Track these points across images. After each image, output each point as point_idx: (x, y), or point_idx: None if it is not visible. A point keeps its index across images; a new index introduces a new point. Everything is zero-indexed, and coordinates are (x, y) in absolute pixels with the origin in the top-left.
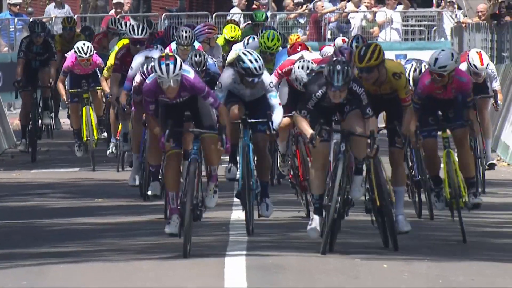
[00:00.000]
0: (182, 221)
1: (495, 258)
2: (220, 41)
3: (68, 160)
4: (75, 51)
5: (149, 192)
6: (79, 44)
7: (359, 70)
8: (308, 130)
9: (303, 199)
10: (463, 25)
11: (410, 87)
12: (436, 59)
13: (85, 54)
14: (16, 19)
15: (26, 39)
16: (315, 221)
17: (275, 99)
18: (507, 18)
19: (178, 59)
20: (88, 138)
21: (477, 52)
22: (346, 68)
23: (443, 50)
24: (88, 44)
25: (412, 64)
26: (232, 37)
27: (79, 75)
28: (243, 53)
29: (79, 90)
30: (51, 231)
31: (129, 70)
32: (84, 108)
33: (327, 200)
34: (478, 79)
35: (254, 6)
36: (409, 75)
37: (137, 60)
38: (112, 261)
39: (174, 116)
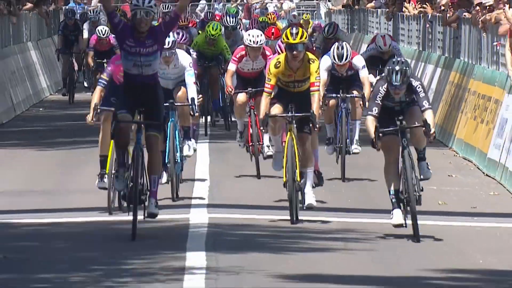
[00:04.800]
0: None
1: None
2: (200, 39)
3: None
4: (96, 34)
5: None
6: (100, 28)
7: (291, 48)
8: (371, 134)
9: (252, 160)
10: (331, 10)
11: (336, 62)
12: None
13: (103, 35)
14: (77, 6)
15: (62, 22)
16: (397, 215)
17: (191, 78)
18: (356, 7)
19: None
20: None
21: (381, 36)
22: (404, 68)
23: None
24: (106, 28)
25: (336, 43)
26: (212, 35)
27: (99, 51)
28: None
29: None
30: None
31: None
32: None
33: (404, 193)
34: (384, 57)
35: None
36: (333, 51)
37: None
38: None
39: (129, 101)
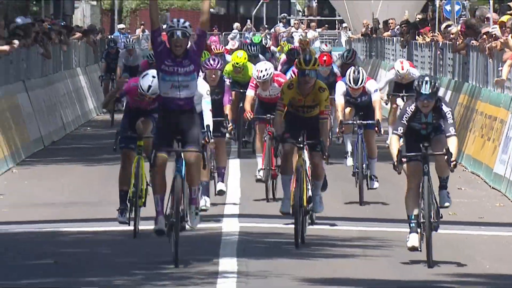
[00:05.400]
0: (170, 225)
1: None
2: (228, 67)
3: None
4: (147, 59)
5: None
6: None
7: (303, 73)
8: (394, 157)
9: (268, 184)
10: (351, 39)
11: (351, 86)
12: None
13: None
14: (122, 36)
15: (105, 50)
16: (413, 238)
17: (207, 105)
18: (374, 35)
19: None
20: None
21: (400, 61)
22: (433, 81)
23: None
24: None
25: (352, 67)
26: (237, 63)
27: None
28: None
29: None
30: None
31: None
32: None
33: (420, 217)
34: (402, 81)
35: (246, 27)
36: (349, 75)
37: None
38: None
39: (167, 133)
